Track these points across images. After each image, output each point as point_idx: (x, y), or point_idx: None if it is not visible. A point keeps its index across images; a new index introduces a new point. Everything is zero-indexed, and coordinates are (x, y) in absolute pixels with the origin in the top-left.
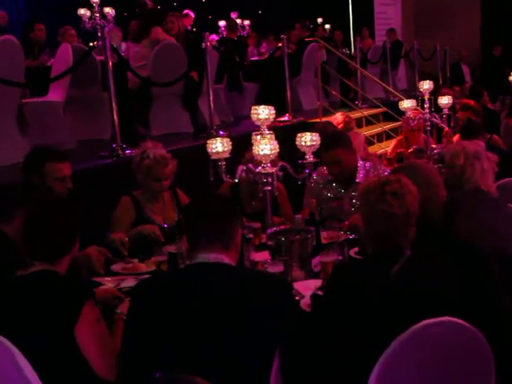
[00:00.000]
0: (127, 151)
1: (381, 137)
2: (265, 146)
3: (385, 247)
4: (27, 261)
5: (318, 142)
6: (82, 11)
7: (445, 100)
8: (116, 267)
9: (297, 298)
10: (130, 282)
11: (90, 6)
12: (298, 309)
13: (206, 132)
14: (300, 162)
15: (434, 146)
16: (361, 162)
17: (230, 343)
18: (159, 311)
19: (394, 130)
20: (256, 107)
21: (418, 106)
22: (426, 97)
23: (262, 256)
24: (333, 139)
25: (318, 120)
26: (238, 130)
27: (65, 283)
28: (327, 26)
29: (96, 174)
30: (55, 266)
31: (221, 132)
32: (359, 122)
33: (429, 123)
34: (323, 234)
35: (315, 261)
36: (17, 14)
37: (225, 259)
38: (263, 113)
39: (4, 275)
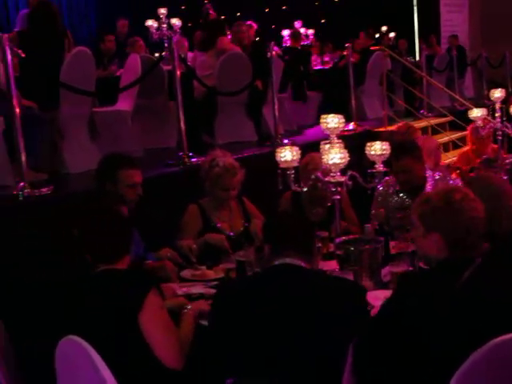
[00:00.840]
0: (193, 159)
1: (447, 146)
2: (334, 155)
3: (459, 254)
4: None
5: (388, 152)
6: (149, 22)
7: None
8: (185, 273)
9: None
10: (198, 289)
11: (157, 18)
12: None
13: (270, 141)
14: (369, 171)
15: (505, 156)
16: (430, 172)
17: (304, 345)
18: (239, 315)
19: (461, 139)
20: (325, 116)
21: (488, 114)
22: (498, 105)
23: (330, 265)
24: (402, 148)
25: (383, 129)
26: (302, 138)
27: (128, 275)
28: (392, 35)
29: (163, 181)
30: (117, 266)
31: (285, 141)
32: (425, 131)
33: (500, 132)
34: (392, 244)
35: (385, 271)
36: (87, 27)
37: (301, 263)
38: (332, 122)
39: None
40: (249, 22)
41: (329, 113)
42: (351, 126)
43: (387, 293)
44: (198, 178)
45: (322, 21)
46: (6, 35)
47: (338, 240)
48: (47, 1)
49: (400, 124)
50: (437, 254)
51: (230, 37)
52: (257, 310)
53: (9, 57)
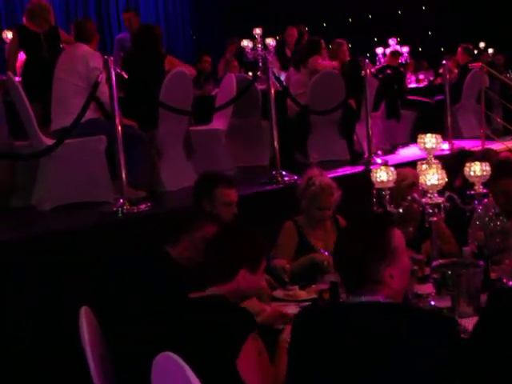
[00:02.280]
0: (286, 178)
1: None
2: (432, 176)
3: None
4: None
5: (489, 173)
6: (245, 43)
7: None
8: (278, 293)
9: (463, 335)
10: (291, 309)
11: (252, 38)
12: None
13: (363, 160)
14: (469, 192)
15: None
16: None
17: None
18: (317, 343)
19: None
20: (422, 135)
21: None
22: None
23: (426, 289)
24: (503, 168)
25: (480, 148)
26: (395, 158)
27: (229, 314)
28: (490, 51)
29: (256, 200)
30: (226, 287)
31: (378, 160)
32: None
33: None
34: (493, 269)
35: (484, 297)
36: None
37: (380, 297)
38: (430, 141)
39: (176, 295)
40: (340, 40)
41: (424, 132)
42: (446, 145)
43: None
44: (293, 196)
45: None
46: (111, 58)
47: (434, 263)
48: (151, 25)
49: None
50: None
51: (324, 56)
52: (336, 342)
53: (113, 78)
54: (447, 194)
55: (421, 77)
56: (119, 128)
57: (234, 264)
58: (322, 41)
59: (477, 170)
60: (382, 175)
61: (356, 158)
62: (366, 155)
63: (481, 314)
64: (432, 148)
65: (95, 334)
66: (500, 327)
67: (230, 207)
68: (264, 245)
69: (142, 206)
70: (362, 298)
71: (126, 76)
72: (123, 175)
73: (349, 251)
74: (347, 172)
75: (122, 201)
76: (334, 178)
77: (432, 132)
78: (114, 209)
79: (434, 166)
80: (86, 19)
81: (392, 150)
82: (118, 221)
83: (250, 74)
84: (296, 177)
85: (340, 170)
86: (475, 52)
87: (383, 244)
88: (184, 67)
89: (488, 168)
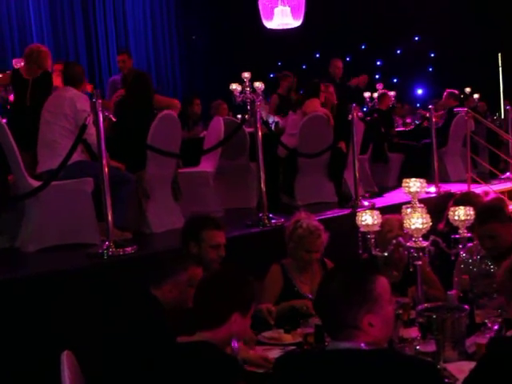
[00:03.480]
0: (273, 221)
1: None
2: (416, 220)
3: None
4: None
5: (473, 217)
6: (233, 86)
7: None
8: (262, 337)
9: (448, 380)
10: (275, 353)
11: (241, 81)
12: None
13: (350, 203)
14: (453, 236)
15: None
16: None
17: None
18: None
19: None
20: (407, 180)
21: None
22: None
23: (412, 333)
24: (488, 212)
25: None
26: (382, 201)
27: (217, 362)
28: (476, 96)
29: (243, 242)
30: (217, 332)
31: (365, 203)
32: (511, 195)
33: None
34: (477, 313)
35: (469, 341)
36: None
37: (362, 343)
38: (414, 185)
39: (163, 339)
40: (328, 84)
41: (411, 175)
42: (433, 188)
43: (472, 365)
44: (280, 239)
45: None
46: (99, 101)
47: (419, 307)
48: (142, 72)
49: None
50: None
51: (321, 98)
52: None
53: (100, 120)
54: (432, 238)
55: (408, 120)
56: (106, 170)
57: (228, 308)
58: (322, 84)
59: (461, 214)
60: (367, 219)
61: (343, 200)
62: (354, 198)
63: (478, 363)
64: (416, 192)
65: (76, 379)
66: (497, 377)
67: (218, 250)
68: (255, 287)
69: (128, 249)
70: (342, 344)
71: (114, 119)
72: (109, 217)
73: (328, 294)
74: (334, 215)
75: (107, 243)
76: (322, 221)
77: (419, 175)
78: (100, 251)
79: (418, 209)
80: (74, 63)
81: (379, 193)
82: (103, 263)
83: (239, 116)
84: (283, 219)
85: (327, 212)
86: (461, 97)
87: (364, 290)
88: (169, 101)
89: (472, 212)
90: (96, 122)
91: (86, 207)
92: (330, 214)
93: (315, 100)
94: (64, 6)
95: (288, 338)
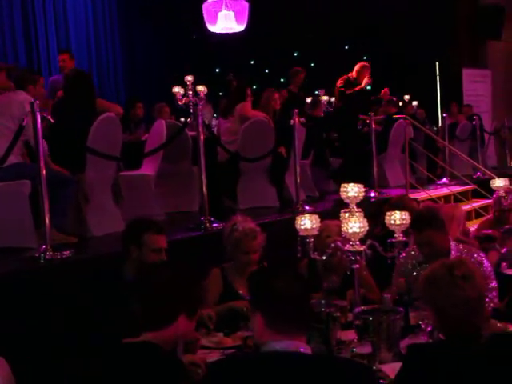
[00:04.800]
0: (215, 224)
1: (470, 215)
2: (354, 224)
3: (462, 331)
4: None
5: (408, 221)
6: (176, 89)
7: None
8: (203, 341)
9: (383, 381)
10: (215, 356)
11: (183, 85)
12: None
13: (291, 207)
14: (389, 240)
15: None
16: (453, 243)
17: None
18: None
19: (483, 208)
20: (345, 185)
21: (510, 184)
22: None
23: (349, 335)
24: (425, 219)
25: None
26: (323, 205)
27: (158, 362)
28: (414, 103)
29: (184, 246)
30: (163, 333)
31: (306, 207)
32: (447, 200)
33: None
34: (412, 315)
35: (404, 343)
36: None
37: (301, 346)
38: (352, 190)
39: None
40: (272, 89)
41: (351, 180)
42: (372, 193)
43: None
44: (221, 242)
45: None
46: (37, 101)
47: (356, 310)
48: (81, 70)
49: None
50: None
51: (249, 102)
52: None
53: (38, 121)
54: (369, 241)
55: None
56: (43, 172)
57: (174, 310)
58: (248, 88)
59: (397, 218)
60: (306, 223)
61: (285, 205)
62: (295, 202)
63: (400, 368)
64: (354, 197)
65: None
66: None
67: (159, 254)
68: (202, 288)
69: (66, 252)
70: (284, 342)
71: (52, 120)
72: (47, 220)
73: (292, 291)
74: (276, 219)
75: (44, 246)
76: (263, 225)
77: (359, 180)
78: (37, 254)
79: (356, 214)
80: (25, 68)
81: (321, 197)
82: (40, 267)
83: (183, 120)
84: (225, 223)
85: (269, 216)
86: (400, 104)
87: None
88: (111, 106)
89: (407, 217)
90: (34, 123)
91: (23, 210)
92: (271, 218)
93: (246, 104)
94: (3, 4)
95: (228, 342)
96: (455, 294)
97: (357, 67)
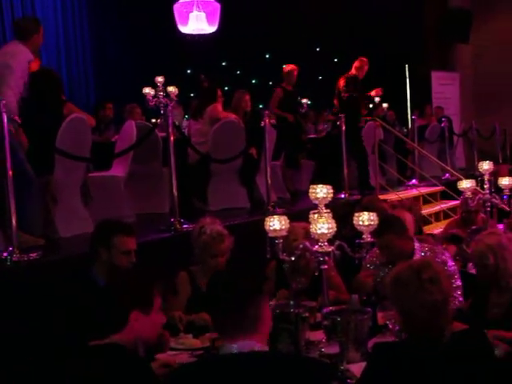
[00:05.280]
0: (185, 226)
1: (438, 216)
2: (322, 225)
3: (427, 332)
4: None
5: (376, 222)
6: (146, 90)
7: (505, 181)
8: (171, 342)
9: (350, 381)
10: (183, 358)
11: (154, 85)
12: None
13: (262, 208)
14: (357, 241)
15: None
16: (417, 245)
17: None
18: None
19: (452, 209)
20: (314, 186)
21: (477, 186)
22: (486, 177)
23: (317, 335)
24: (385, 224)
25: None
26: (294, 206)
27: (122, 363)
28: (385, 105)
29: (154, 247)
30: (122, 336)
31: (277, 209)
32: (416, 201)
33: (489, 204)
34: (380, 315)
35: (372, 342)
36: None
37: (256, 345)
38: (321, 192)
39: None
40: (243, 90)
41: (322, 181)
42: (343, 194)
43: None
44: (191, 244)
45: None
46: (3, 101)
47: (325, 310)
48: (49, 69)
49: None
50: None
51: (220, 103)
52: None
53: (5, 122)
54: (337, 242)
55: (320, 128)
56: (10, 173)
57: (124, 308)
58: (219, 89)
59: (365, 219)
60: (275, 224)
61: (256, 206)
62: (265, 204)
63: (365, 366)
64: (323, 198)
65: None
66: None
67: (128, 256)
68: (153, 281)
69: (33, 254)
70: (240, 342)
71: (19, 121)
72: (13, 222)
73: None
74: (246, 220)
75: (11, 248)
76: (233, 227)
77: (330, 181)
78: (3, 256)
79: (324, 215)
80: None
81: (292, 198)
82: (6, 269)
83: (154, 120)
84: (195, 224)
85: (240, 218)
86: (370, 106)
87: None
88: (84, 116)
89: (375, 218)
90: (0, 124)
91: None
92: (242, 219)
93: (217, 105)
94: None
95: (196, 343)
96: (422, 297)
97: (356, 64)
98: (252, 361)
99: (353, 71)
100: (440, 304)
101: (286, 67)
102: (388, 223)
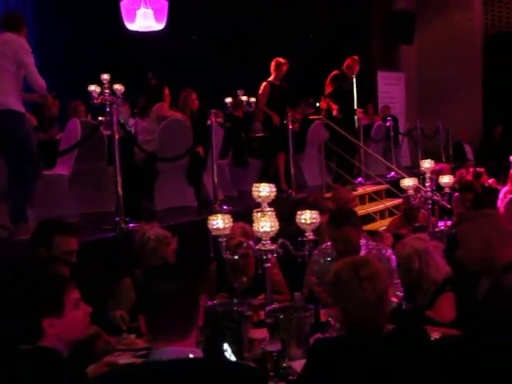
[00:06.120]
0: (130, 224)
1: (384, 214)
2: (265, 224)
3: (364, 329)
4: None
5: (318, 220)
6: (92, 87)
7: (446, 179)
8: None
9: (291, 377)
10: (126, 358)
11: (100, 83)
12: None
13: (209, 207)
14: (300, 239)
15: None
16: (363, 241)
17: None
18: None
19: (396, 207)
20: (257, 185)
21: (419, 184)
22: (428, 175)
23: (261, 333)
24: (343, 216)
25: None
26: (241, 205)
27: (49, 366)
28: None
29: (98, 246)
30: (46, 340)
31: (224, 207)
32: (362, 199)
33: (430, 201)
34: (323, 312)
35: (314, 339)
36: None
37: (188, 350)
38: (264, 190)
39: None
40: (190, 89)
41: (270, 180)
42: (290, 193)
43: None
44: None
45: None
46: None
47: (268, 308)
48: None
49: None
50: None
51: (167, 102)
52: None
53: None
54: (280, 240)
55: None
56: None
57: (33, 320)
58: (166, 87)
59: (307, 217)
60: (219, 223)
61: (203, 205)
62: (212, 202)
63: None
64: (266, 197)
65: None
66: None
67: (69, 256)
68: (58, 280)
69: None
70: (171, 348)
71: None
72: None
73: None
74: (193, 219)
75: None
76: (178, 226)
77: (277, 180)
78: None
79: (268, 213)
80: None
81: (240, 197)
82: None
83: (101, 118)
84: (141, 223)
85: (186, 216)
86: (317, 105)
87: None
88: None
89: (317, 216)
90: None
91: None
92: (189, 218)
93: (164, 104)
94: None
95: (139, 343)
96: (359, 295)
97: (347, 62)
98: (182, 369)
99: (343, 68)
100: (376, 302)
101: (275, 61)
102: (345, 215)
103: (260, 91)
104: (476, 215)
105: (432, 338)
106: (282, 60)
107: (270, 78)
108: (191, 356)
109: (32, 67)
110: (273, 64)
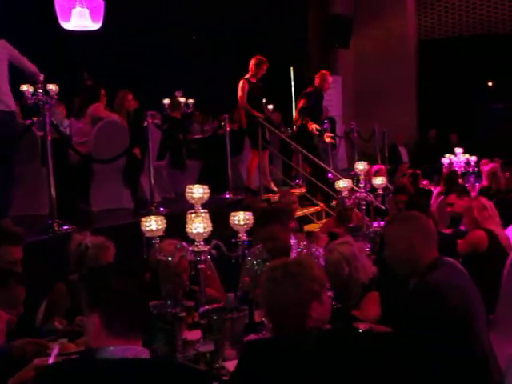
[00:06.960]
0: (65, 227)
1: (320, 215)
2: (198, 225)
3: (290, 331)
4: None
5: (252, 221)
6: (24, 87)
7: (379, 181)
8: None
9: (225, 378)
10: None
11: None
12: None
13: (146, 208)
14: (233, 240)
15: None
16: (294, 241)
17: None
18: None
19: (333, 208)
20: (191, 186)
21: (354, 185)
22: (362, 177)
23: (195, 335)
24: (270, 215)
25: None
26: (178, 206)
27: None
28: (270, 107)
29: (31, 249)
30: None
31: (161, 209)
32: (300, 200)
33: (364, 202)
34: (257, 312)
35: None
36: None
37: (139, 351)
38: (197, 192)
39: None
40: (126, 90)
41: (208, 181)
42: (227, 194)
43: None
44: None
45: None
46: None
47: (201, 309)
48: None
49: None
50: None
51: (103, 103)
52: None
53: None
54: (214, 242)
55: (206, 128)
56: None
57: None
58: (102, 88)
59: (240, 218)
60: (152, 224)
61: (140, 206)
62: (149, 204)
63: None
64: (199, 198)
65: None
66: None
67: (14, 266)
68: None
69: None
70: (131, 347)
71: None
72: None
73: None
74: (130, 221)
75: None
76: (113, 228)
77: (215, 182)
78: None
79: (201, 215)
80: None
81: (177, 199)
82: None
83: (36, 119)
84: (75, 226)
85: (123, 218)
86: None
87: None
88: None
89: (251, 217)
90: None
91: None
92: (125, 219)
93: (99, 105)
94: None
95: (71, 347)
96: (282, 297)
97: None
98: (134, 368)
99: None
100: (299, 302)
101: (256, 58)
102: (272, 214)
103: (239, 89)
104: (401, 217)
105: (360, 330)
106: (263, 59)
107: (247, 76)
108: (144, 356)
109: (23, 57)
110: (253, 61)
